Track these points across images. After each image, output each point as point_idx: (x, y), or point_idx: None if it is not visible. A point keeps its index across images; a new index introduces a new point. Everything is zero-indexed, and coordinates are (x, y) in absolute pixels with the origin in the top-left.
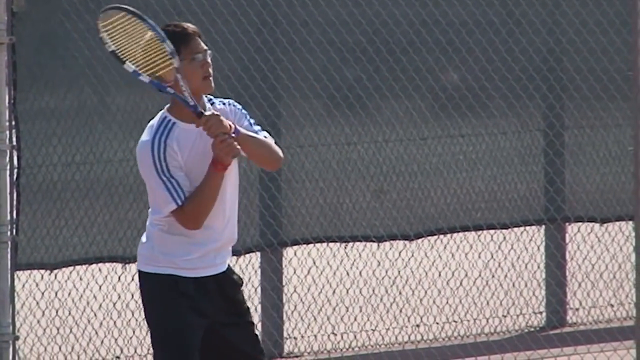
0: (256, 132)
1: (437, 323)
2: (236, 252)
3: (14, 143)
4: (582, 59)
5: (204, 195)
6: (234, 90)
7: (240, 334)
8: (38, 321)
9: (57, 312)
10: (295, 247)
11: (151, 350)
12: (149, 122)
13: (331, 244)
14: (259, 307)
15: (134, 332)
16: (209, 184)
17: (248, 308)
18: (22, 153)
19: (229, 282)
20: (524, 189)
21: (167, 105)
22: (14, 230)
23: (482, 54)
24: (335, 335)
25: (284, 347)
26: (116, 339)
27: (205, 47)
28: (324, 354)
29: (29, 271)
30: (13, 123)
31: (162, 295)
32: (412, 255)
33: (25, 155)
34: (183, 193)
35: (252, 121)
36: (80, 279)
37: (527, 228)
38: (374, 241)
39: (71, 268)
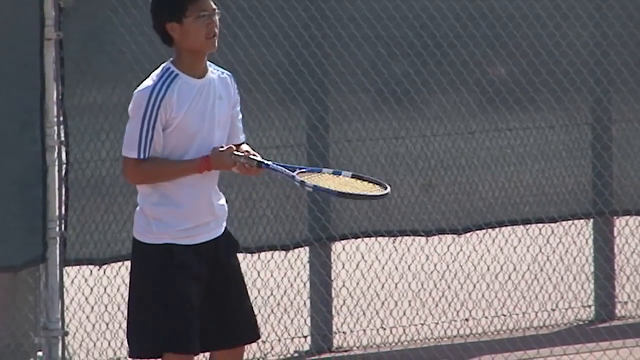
0: (240, 129)
1: (486, 317)
2: (285, 247)
3: (62, 139)
4: (629, 53)
5: (166, 174)
6: (282, 85)
7: (233, 303)
8: (87, 317)
9: (106, 307)
10: (343, 242)
11: None
12: None
13: (379, 239)
14: (308, 302)
15: None
16: (181, 172)
17: (242, 277)
18: (70, 149)
19: (224, 245)
20: (571, 183)
21: (172, 58)
22: (63, 226)
23: (529, 48)
24: (384, 329)
25: (332, 342)
26: None
27: (214, 7)
28: (372, 349)
29: (77, 267)
30: (61, 119)
31: (159, 268)
32: (461, 250)
33: (74, 150)
34: (149, 150)
35: (240, 111)
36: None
37: (575, 221)
38: (422, 235)
39: (120, 263)
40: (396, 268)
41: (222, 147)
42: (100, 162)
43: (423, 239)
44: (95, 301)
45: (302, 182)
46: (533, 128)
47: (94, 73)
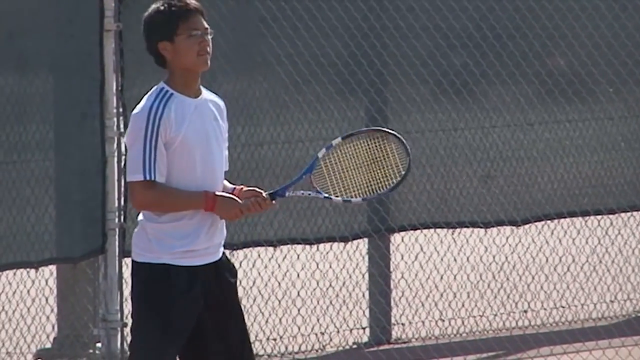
0: (226, 157)
1: (545, 309)
2: (344, 239)
3: (122, 130)
4: None
5: (174, 205)
6: (341, 76)
7: (230, 325)
8: None
9: None
10: (402, 233)
11: (259, 337)
12: (255, 109)
13: (438, 230)
14: (367, 294)
15: (255, 318)
16: (188, 205)
17: (239, 303)
18: None
19: (222, 270)
20: (630, 174)
21: (165, 78)
22: (122, 217)
23: (589, 40)
24: (443, 321)
25: (391, 334)
26: None
27: (206, 26)
28: (431, 340)
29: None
30: (120, 110)
31: (153, 289)
32: (520, 241)
33: None
34: (154, 171)
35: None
36: None
37: (635, 213)
38: (481, 227)
39: None
40: (455, 259)
41: (228, 196)
42: None
43: (482, 230)
44: None
45: (347, 200)
46: (592, 119)
47: (153, 64)
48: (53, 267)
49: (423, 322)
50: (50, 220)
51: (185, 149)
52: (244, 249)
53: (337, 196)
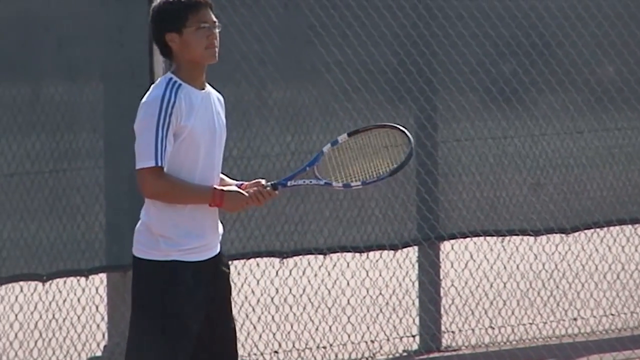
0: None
1: (594, 316)
2: (394, 246)
3: None
4: None
5: (182, 196)
6: (390, 84)
7: (218, 331)
8: None
9: None
10: (452, 241)
11: (309, 345)
12: (304, 116)
13: (488, 238)
14: (417, 302)
15: (291, 326)
16: (195, 198)
17: (230, 297)
18: None
19: (220, 264)
20: None
21: (172, 68)
22: None
23: (638, 47)
24: (493, 328)
25: (441, 341)
26: (274, 334)
27: (214, 20)
28: (481, 348)
29: None
30: None
31: (163, 286)
32: (569, 249)
33: None
34: (165, 159)
35: None
36: (238, 273)
37: None
38: (530, 235)
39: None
40: (504, 267)
41: (235, 189)
42: None
43: (531, 238)
44: None
45: (347, 185)
46: None
47: None
48: (103, 275)
49: (473, 330)
50: (101, 228)
51: (191, 140)
52: (294, 257)
53: (337, 181)
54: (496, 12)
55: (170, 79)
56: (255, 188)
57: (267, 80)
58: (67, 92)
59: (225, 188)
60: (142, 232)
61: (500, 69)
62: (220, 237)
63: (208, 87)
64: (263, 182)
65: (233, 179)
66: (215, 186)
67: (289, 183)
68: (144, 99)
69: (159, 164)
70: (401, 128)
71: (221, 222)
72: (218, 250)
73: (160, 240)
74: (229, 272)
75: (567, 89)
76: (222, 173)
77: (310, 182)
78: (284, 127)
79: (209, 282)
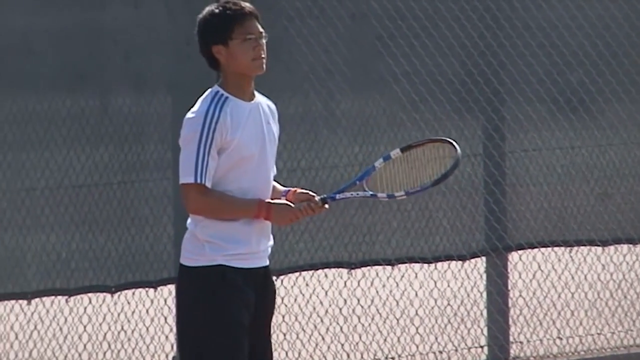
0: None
1: None
2: (461, 257)
3: None
4: None
5: (225, 211)
6: (458, 94)
7: (264, 336)
8: None
9: (283, 317)
10: (520, 252)
11: (377, 356)
12: (372, 127)
13: (556, 248)
14: (485, 312)
15: (360, 337)
16: (239, 212)
17: (270, 325)
18: None
19: (270, 281)
20: None
21: (219, 81)
22: None
23: None
24: (561, 339)
25: (509, 352)
26: (342, 345)
27: (261, 30)
28: (549, 358)
29: None
30: None
31: (211, 290)
32: (637, 259)
33: None
34: (206, 176)
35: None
36: (307, 284)
37: None
38: (598, 245)
39: (297, 274)
40: (572, 278)
41: (283, 202)
42: (278, 172)
43: (599, 248)
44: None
45: (391, 195)
46: None
47: (270, 83)
48: (172, 286)
49: (541, 341)
50: (169, 240)
51: (239, 153)
52: (362, 268)
53: (382, 192)
54: (563, 22)
55: (217, 92)
56: (305, 202)
57: (334, 91)
58: (135, 103)
59: (273, 201)
60: (188, 239)
61: (567, 79)
62: (270, 249)
63: (257, 97)
64: (315, 196)
65: (303, 189)
66: (261, 200)
67: (337, 196)
68: (188, 114)
69: (200, 181)
70: (451, 141)
71: (288, 233)
72: (267, 262)
73: (206, 245)
74: (276, 290)
75: (634, 98)
76: (279, 183)
77: (358, 194)
78: (352, 137)
79: (257, 290)
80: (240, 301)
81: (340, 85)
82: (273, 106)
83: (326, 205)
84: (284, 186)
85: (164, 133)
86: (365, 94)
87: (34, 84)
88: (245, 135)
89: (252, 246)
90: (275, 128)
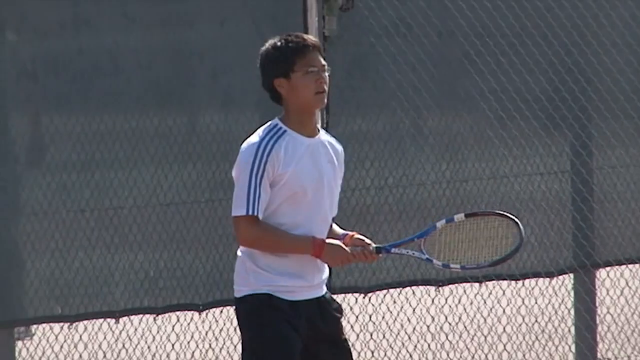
0: (336, 203)
1: None
2: (549, 274)
3: None
4: None
5: (278, 246)
6: (545, 111)
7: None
8: (352, 344)
9: (371, 335)
10: (608, 268)
11: None
12: (459, 144)
13: None
14: (573, 329)
15: (447, 354)
16: (292, 249)
17: (346, 339)
18: None
19: (327, 306)
20: None
21: (281, 114)
22: None
23: None
24: None
25: None
26: None
27: (323, 63)
28: None
29: (342, 294)
30: None
31: (258, 314)
32: None
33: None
34: (258, 208)
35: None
36: (394, 302)
37: None
38: None
39: (385, 291)
40: None
41: (337, 243)
42: (365, 190)
43: None
44: (360, 329)
45: (446, 265)
46: None
47: (357, 101)
48: None
49: (629, 357)
50: None
51: (291, 188)
52: (450, 285)
53: (437, 259)
54: None
55: (276, 125)
56: (359, 248)
57: (422, 109)
58: (222, 121)
59: (327, 240)
60: (237, 271)
61: None
62: (325, 280)
63: (321, 135)
64: (370, 245)
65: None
66: (315, 237)
67: (392, 250)
68: (243, 145)
69: (251, 213)
70: (517, 222)
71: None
72: (322, 292)
73: (251, 275)
74: (341, 317)
75: None
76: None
77: (414, 254)
78: (439, 155)
79: (312, 321)
80: (285, 322)
81: (427, 102)
82: (340, 148)
83: (380, 255)
84: (342, 229)
85: None
86: (452, 111)
87: (121, 103)
88: (298, 170)
89: (301, 280)
90: (337, 169)
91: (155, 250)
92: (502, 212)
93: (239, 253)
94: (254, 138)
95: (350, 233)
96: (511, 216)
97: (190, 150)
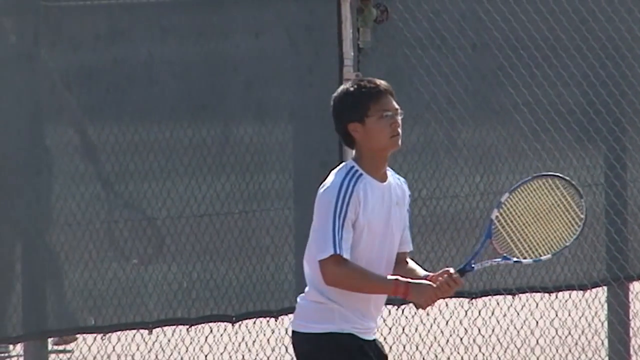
0: (409, 239)
1: None
2: (582, 286)
3: None
4: None
5: (363, 285)
6: (579, 124)
7: None
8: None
9: (404, 347)
10: None
11: None
12: (494, 157)
13: None
14: (606, 342)
15: None
16: (377, 288)
17: None
18: None
19: (382, 351)
20: None
21: (354, 156)
22: None
23: None
24: None
25: None
26: None
27: (397, 107)
28: None
29: None
30: None
31: (330, 353)
32: None
33: None
34: (343, 246)
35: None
36: (427, 314)
37: None
38: None
39: None
40: None
41: (424, 282)
42: None
43: None
44: (393, 341)
45: (537, 260)
46: None
47: None
48: (292, 316)
49: None
50: (290, 269)
51: (365, 231)
52: (483, 297)
53: (524, 258)
54: None
55: (352, 167)
56: (442, 278)
57: (456, 121)
58: (256, 133)
59: (411, 280)
60: (302, 306)
61: None
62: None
63: (390, 178)
64: (451, 270)
65: (422, 221)
66: (399, 278)
67: (475, 266)
68: (322, 187)
69: (338, 252)
70: (561, 175)
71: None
72: (375, 335)
73: (337, 313)
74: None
75: None
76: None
77: (498, 261)
78: (473, 167)
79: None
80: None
81: (461, 114)
82: (406, 187)
83: (464, 277)
84: (423, 269)
85: (286, 162)
86: (486, 124)
87: (156, 114)
88: (373, 216)
89: (366, 321)
90: (404, 210)
91: (189, 261)
92: (539, 174)
93: (307, 289)
94: (334, 179)
95: (431, 274)
96: (549, 173)
97: (224, 161)
